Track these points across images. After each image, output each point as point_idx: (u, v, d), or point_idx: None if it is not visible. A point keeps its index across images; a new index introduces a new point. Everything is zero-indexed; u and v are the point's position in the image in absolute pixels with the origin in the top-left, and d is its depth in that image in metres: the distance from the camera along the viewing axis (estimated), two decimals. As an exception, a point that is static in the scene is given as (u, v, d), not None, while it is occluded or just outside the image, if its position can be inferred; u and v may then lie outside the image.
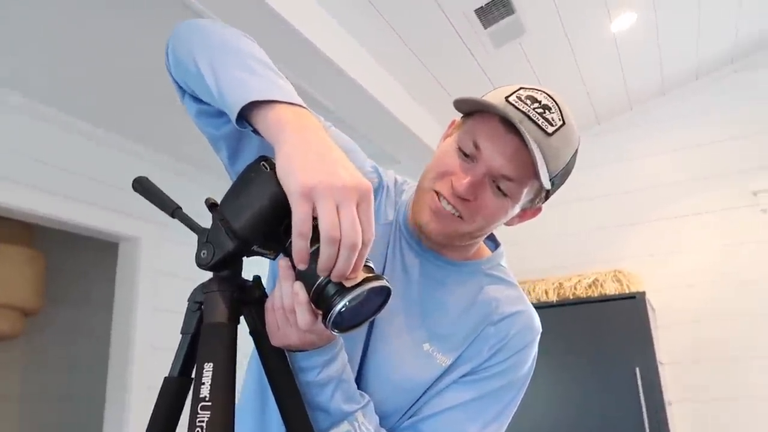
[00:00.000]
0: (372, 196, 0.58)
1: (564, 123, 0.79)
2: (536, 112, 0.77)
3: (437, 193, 0.80)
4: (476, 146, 0.78)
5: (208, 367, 0.61)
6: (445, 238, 0.83)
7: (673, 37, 2.94)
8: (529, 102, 0.78)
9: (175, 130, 2.71)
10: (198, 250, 0.67)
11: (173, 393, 0.68)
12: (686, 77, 3.38)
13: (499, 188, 0.78)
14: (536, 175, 0.75)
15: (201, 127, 0.78)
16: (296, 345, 0.69)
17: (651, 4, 2.65)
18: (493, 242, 0.98)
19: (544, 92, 0.80)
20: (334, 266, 0.57)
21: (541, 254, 3.55)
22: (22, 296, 3.14)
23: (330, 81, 2.35)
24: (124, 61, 2.19)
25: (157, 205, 0.74)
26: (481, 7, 2.34)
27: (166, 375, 0.69)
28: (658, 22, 2.79)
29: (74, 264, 3.80)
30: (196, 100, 0.75)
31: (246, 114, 0.63)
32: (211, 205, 0.68)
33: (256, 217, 0.62)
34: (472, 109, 0.82)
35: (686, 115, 3.44)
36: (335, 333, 0.63)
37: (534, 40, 2.66)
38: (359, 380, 0.82)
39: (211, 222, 0.67)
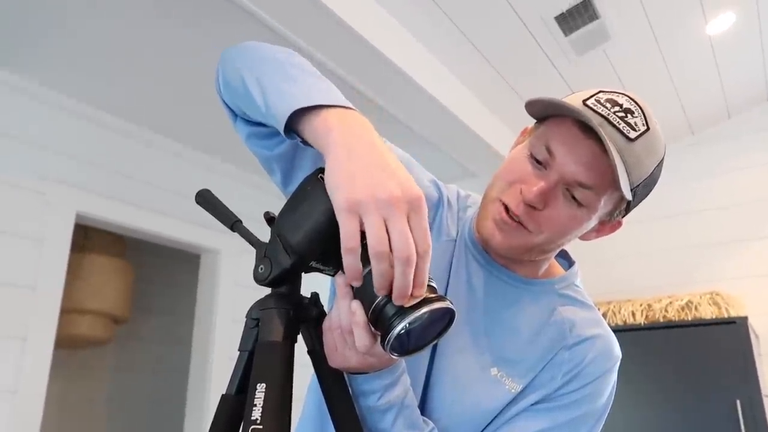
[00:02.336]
0: (424, 204, 0.54)
1: (648, 128, 0.73)
2: (617, 116, 0.71)
3: (504, 203, 0.74)
4: (549, 152, 0.72)
5: (261, 388, 0.58)
6: (512, 252, 0.77)
7: (779, 38, 2.70)
8: (609, 105, 0.72)
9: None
10: (256, 264, 0.65)
11: (229, 411, 0.66)
12: (794, 82, 3.09)
13: (573, 197, 0.72)
14: (616, 184, 0.69)
15: (254, 150, 0.76)
16: (355, 367, 0.65)
17: (753, 3, 2.44)
18: (566, 260, 0.91)
19: (626, 95, 0.74)
20: (392, 285, 0.53)
21: (629, 273, 3.34)
22: (113, 304, 3.32)
23: (404, 94, 2.33)
24: (207, 80, 2.28)
25: (217, 218, 0.73)
26: (562, 13, 2.24)
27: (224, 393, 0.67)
28: (761, 21, 2.56)
29: (160, 275, 4.00)
30: (247, 122, 0.74)
31: (293, 125, 0.61)
32: (269, 219, 0.66)
33: (312, 232, 0.59)
34: (545, 113, 0.76)
35: (794, 123, 3.14)
36: (394, 356, 0.59)
37: (620, 46, 2.52)
38: (422, 406, 0.77)
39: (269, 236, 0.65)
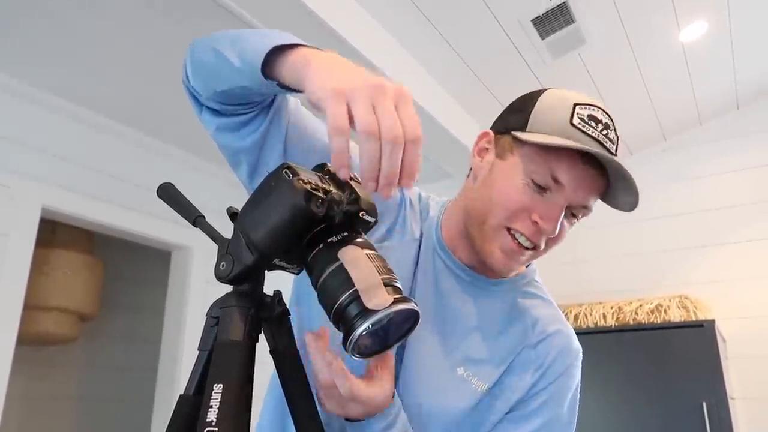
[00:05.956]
0: (411, 96, 0.53)
1: (618, 137, 0.78)
2: (603, 135, 0.75)
3: (512, 231, 0.76)
4: (556, 180, 0.74)
5: (218, 389, 0.56)
6: (512, 272, 0.81)
7: (749, 46, 2.75)
8: (593, 124, 0.75)
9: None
10: (217, 261, 0.63)
11: (187, 413, 0.63)
12: (762, 90, 3.16)
13: (573, 215, 0.78)
14: (605, 194, 0.78)
15: (222, 142, 0.76)
16: (352, 415, 0.67)
17: (724, 12, 2.49)
18: None
19: (599, 108, 0.77)
20: (379, 172, 0.51)
21: (600, 276, 3.38)
22: (81, 301, 3.24)
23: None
24: (178, 73, 2.24)
25: (179, 213, 0.71)
26: (539, 16, 2.25)
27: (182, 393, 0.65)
28: (732, 30, 2.61)
29: (130, 271, 3.92)
30: (215, 114, 0.73)
31: (269, 71, 0.61)
32: (232, 215, 0.64)
33: (275, 229, 0.58)
34: (549, 145, 0.75)
35: (762, 130, 3.21)
36: (356, 358, 0.57)
37: (595, 50, 2.54)
38: None
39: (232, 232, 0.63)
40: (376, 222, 0.63)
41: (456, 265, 0.83)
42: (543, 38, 2.38)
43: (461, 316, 0.81)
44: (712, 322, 2.65)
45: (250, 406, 0.60)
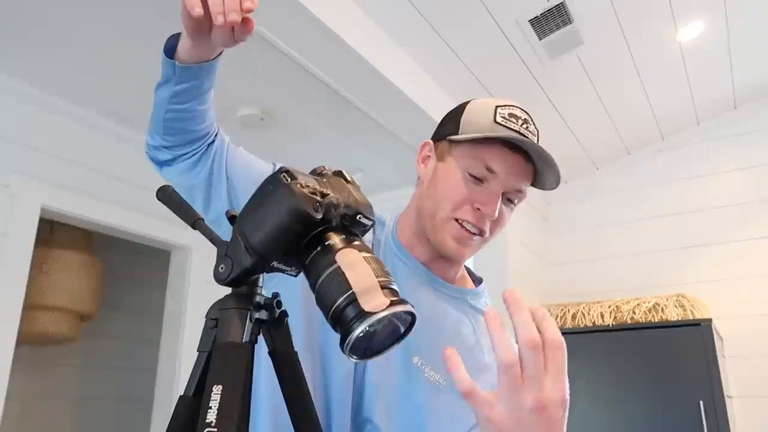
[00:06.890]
0: None
1: (538, 131, 0.89)
2: (524, 128, 0.86)
3: (458, 220, 0.86)
4: (489, 170, 0.84)
5: (217, 390, 0.57)
6: (467, 257, 0.90)
7: (746, 46, 2.76)
8: (514, 120, 0.86)
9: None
10: (216, 263, 0.64)
11: (186, 413, 0.64)
12: (759, 90, 3.17)
13: (509, 200, 0.88)
14: (535, 180, 0.88)
15: (182, 183, 0.91)
16: None
17: (721, 12, 2.50)
18: (473, 277, 1.01)
19: (517, 107, 0.89)
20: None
21: (597, 275, 3.39)
22: (81, 301, 3.24)
23: (376, 91, 2.32)
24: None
25: (178, 215, 0.72)
26: (536, 17, 2.26)
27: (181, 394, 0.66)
28: (729, 31, 2.62)
29: (130, 271, 3.92)
30: (171, 165, 0.93)
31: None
32: (231, 218, 0.65)
33: (274, 232, 0.58)
34: (474, 138, 0.86)
35: (758, 130, 3.22)
36: (354, 359, 0.58)
37: (593, 51, 2.55)
38: (356, 403, 0.81)
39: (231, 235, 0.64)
40: (373, 224, 0.64)
41: (413, 263, 0.91)
42: (540, 38, 2.39)
43: (419, 312, 0.85)
44: (709, 320, 2.66)
45: (249, 407, 0.61)
